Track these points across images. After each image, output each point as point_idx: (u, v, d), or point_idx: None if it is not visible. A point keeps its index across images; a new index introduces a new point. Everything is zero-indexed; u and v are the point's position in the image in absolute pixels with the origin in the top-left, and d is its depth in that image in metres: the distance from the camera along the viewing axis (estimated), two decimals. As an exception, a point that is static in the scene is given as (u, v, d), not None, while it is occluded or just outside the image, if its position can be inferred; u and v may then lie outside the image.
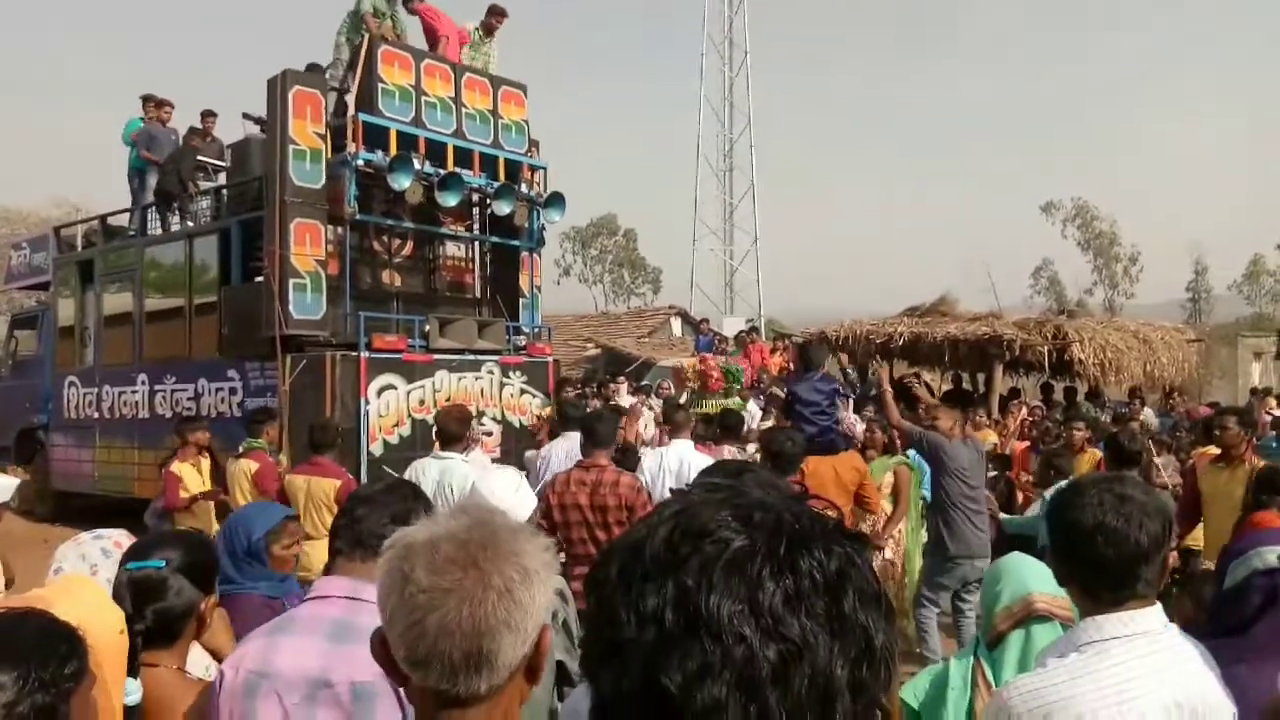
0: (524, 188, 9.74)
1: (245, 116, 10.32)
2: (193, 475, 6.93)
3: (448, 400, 8.69)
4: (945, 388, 14.53)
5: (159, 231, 10.35)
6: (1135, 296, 62.11)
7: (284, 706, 1.83)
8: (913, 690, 2.29)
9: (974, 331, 13.38)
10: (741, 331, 18.65)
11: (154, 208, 10.48)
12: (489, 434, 6.83)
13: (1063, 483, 6.18)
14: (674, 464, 5.47)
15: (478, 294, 10.65)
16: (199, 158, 10.46)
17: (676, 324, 29.30)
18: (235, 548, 2.95)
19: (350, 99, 8.45)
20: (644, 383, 13.86)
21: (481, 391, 9.09)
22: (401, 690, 1.28)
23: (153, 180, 10.66)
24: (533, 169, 10.01)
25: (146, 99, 11.26)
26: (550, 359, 9.98)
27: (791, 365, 14.15)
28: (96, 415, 10.62)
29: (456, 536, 1.13)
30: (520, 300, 10.36)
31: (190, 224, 9.97)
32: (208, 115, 11.32)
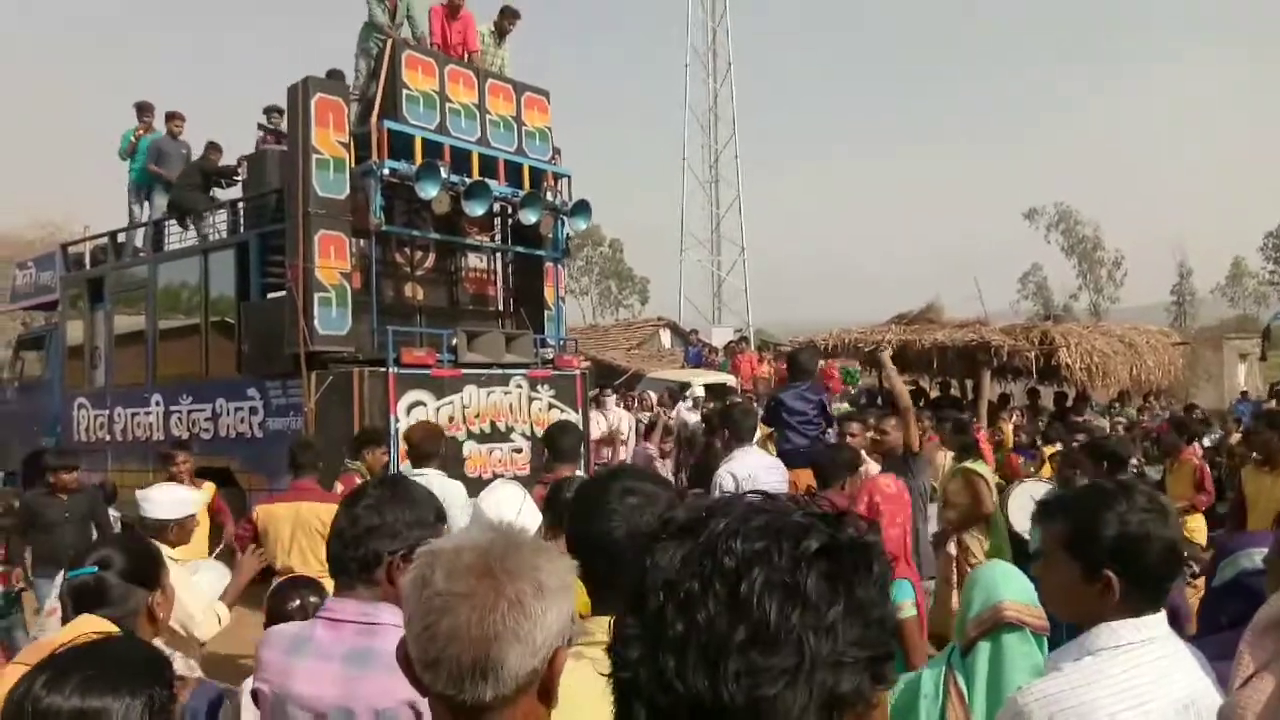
0: (548, 195, 9.46)
1: (261, 128, 10.06)
2: None
3: (477, 416, 8.44)
4: (934, 394, 14.61)
5: (170, 248, 10.06)
6: (1120, 300, 62.83)
7: None
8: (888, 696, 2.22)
9: (961, 338, 13.47)
10: (730, 342, 18.44)
11: (164, 224, 10.18)
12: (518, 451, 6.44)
13: (1036, 487, 5.93)
14: (743, 475, 5.14)
15: (501, 306, 10.36)
16: (218, 169, 10.18)
17: (665, 335, 29.07)
18: None
19: (375, 105, 8.17)
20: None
21: (510, 406, 8.79)
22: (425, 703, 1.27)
23: (160, 199, 10.37)
24: (556, 176, 9.73)
25: (141, 108, 10.94)
26: (578, 371, 9.68)
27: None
28: (108, 437, 10.29)
29: (479, 546, 1.17)
30: (545, 312, 10.06)
31: (204, 239, 9.68)
32: (174, 117, 10.84)
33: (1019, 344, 13.16)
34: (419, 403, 8.00)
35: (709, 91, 43.44)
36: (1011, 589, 2.20)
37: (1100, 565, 1.71)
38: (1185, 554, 1.83)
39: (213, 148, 10.23)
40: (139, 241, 10.67)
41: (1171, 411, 10.45)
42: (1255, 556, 2.08)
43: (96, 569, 2.20)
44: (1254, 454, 6.07)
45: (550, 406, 9.15)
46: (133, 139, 10.85)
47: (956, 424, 9.52)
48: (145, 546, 2.45)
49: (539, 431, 8.92)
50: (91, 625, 2.13)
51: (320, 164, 7.87)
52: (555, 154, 9.86)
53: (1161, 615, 1.72)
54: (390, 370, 7.81)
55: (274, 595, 3.17)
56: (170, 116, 10.75)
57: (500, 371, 8.75)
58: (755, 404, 11.15)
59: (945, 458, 7.31)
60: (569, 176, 9.88)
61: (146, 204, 10.80)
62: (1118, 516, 1.72)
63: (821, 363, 12.78)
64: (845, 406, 12.25)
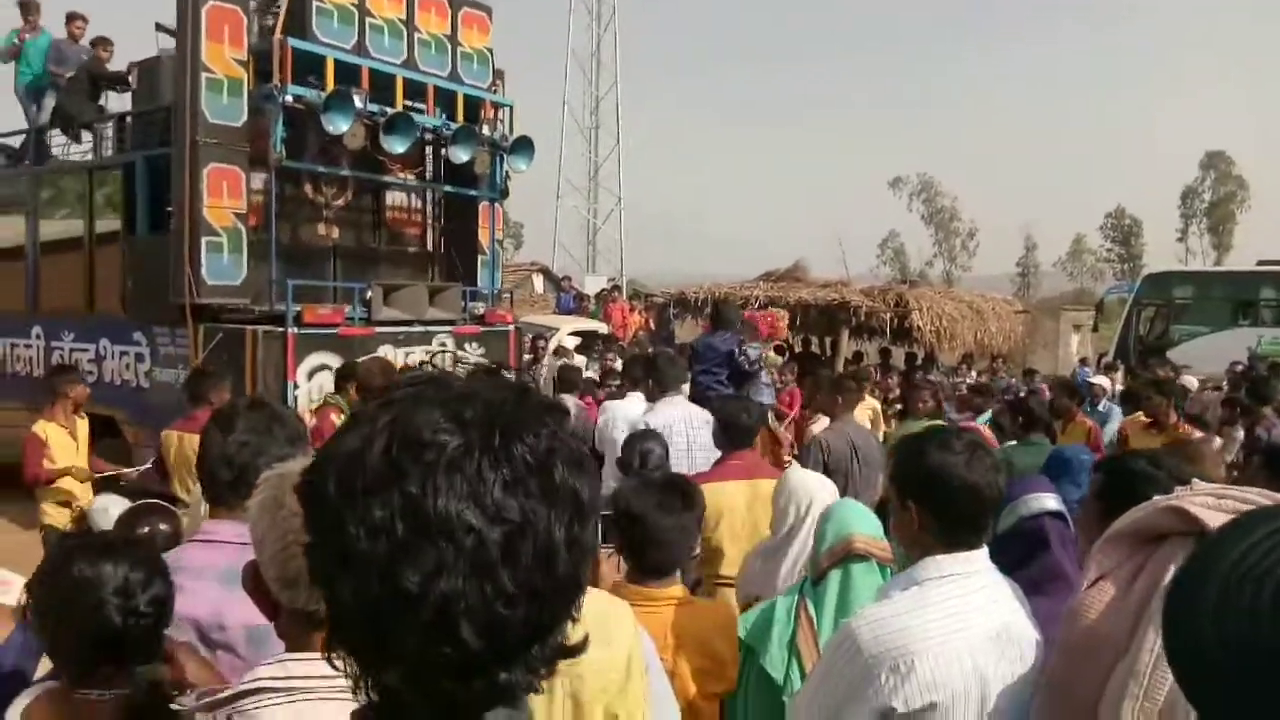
0: (485, 129, 8.39)
1: (159, 28, 8.77)
2: (61, 439, 5.65)
3: (392, 380, 7.59)
4: (798, 350, 15.29)
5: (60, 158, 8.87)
6: (971, 269, 65.60)
7: None
8: (744, 624, 2.45)
9: (824, 297, 14.32)
10: (603, 290, 18.26)
11: (46, 131, 8.96)
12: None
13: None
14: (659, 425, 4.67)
15: (429, 249, 9.36)
16: (107, 74, 8.91)
17: (538, 280, 28.96)
18: None
19: (277, 17, 7.00)
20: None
21: (432, 368, 7.91)
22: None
23: (50, 101, 9.12)
24: (496, 107, 8.65)
25: (25, 4, 9.55)
26: (512, 327, 8.80)
27: (652, 324, 15.10)
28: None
29: None
30: (479, 258, 9.09)
31: (95, 153, 8.51)
32: (75, 18, 9.49)
33: (876, 305, 13.88)
34: (324, 366, 7.08)
35: (593, 37, 42.38)
36: (861, 524, 2.40)
37: (907, 497, 1.87)
38: None
39: (100, 43, 8.90)
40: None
41: (1058, 377, 11.16)
42: (1031, 504, 2.28)
43: None
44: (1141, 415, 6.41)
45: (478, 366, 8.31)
46: (16, 40, 9.49)
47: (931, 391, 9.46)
48: None
49: (463, 394, 8.12)
50: None
51: (212, 84, 6.74)
52: (496, 80, 8.75)
53: (983, 551, 1.84)
54: (289, 331, 6.87)
55: (120, 523, 2.97)
56: (71, 18, 9.40)
57: (421, 329, 7.85)
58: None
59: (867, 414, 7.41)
60: (510, 107, 8.80)
61: (35, 108, 9.52)
62: (923, 455, 1.86)
63: (757, 311, 13.05)
64: (772, 354, 11.97)
